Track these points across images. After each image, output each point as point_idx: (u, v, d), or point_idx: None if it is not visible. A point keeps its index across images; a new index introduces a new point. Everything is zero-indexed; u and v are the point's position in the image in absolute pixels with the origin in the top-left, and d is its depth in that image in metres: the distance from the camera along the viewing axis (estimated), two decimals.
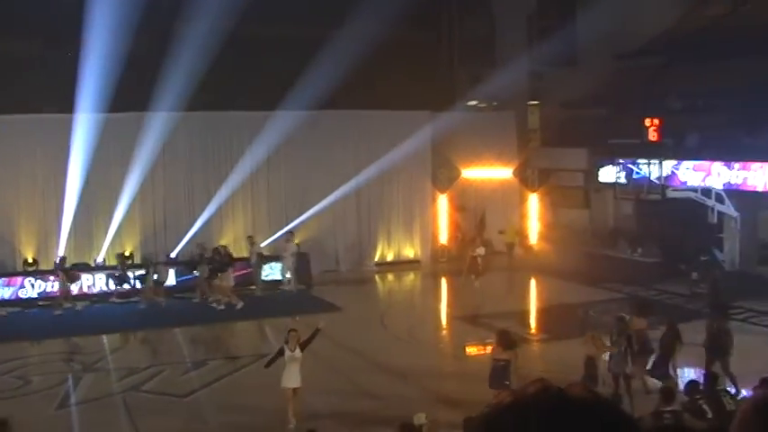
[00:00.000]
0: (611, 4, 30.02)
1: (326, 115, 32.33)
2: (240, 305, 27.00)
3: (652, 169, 30.05)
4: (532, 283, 31.98)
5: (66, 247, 30.33)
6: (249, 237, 30.37)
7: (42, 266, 29.62)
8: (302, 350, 16.44)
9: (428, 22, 34.26)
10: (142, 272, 28.62)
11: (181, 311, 27.17)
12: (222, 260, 28.05)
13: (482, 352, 20.71)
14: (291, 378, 16.33)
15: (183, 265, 29.72)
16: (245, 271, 29.69)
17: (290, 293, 29.39)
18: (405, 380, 19.03)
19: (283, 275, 30.21)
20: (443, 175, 35.05)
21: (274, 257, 30.68)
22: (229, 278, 27.77)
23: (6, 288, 28.29)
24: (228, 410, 17.56)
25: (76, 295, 28.01)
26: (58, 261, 28.39)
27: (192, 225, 31.49)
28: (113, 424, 17.00)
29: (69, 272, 28.17)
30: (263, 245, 31.49)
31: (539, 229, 35.96)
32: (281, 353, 16.53)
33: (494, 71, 33.62)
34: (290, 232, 31.00)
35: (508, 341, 16.58)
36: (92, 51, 27.53)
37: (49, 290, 28.55)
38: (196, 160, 32.13)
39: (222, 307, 27.07)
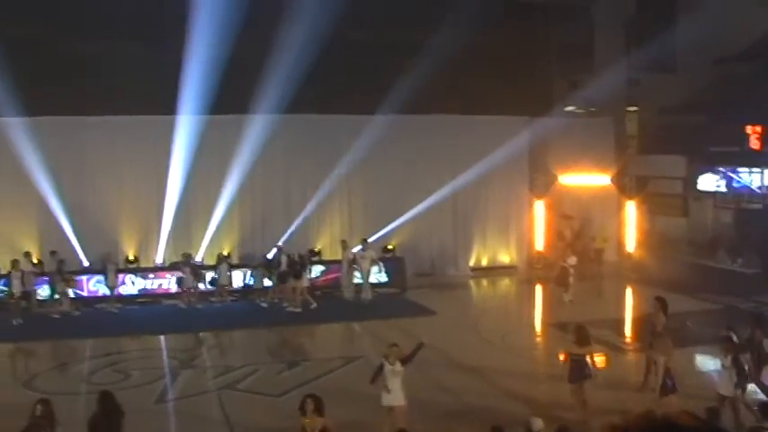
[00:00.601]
0: (711, 8, 29.41)
1: (424, 120, 32.48)
2: (313, 306, 27.46)
3: (753, 178, 29.46)
4: (628, 291, 31.57)
5: (166, 247, 31.13)
6: (342, 241, 30.56)
7: (142, 264, 30.43)
8: (403, 365, 15.35)
9: (527, 27, 34.08)
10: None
11: (275, 313, 27.51)
12: (300, 263, 28.51)
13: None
14: (393, 395, 15.27)
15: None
16: (335, 274, 29.94)
17: (378, 298, 29.54)
18: (496, 385, 19.07)
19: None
20: (540, 181, 34.89)
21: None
22: (304, 281, 28.21)
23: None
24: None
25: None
26: (184, 258, 29.43)
27: (288, 227, 31.92)
28: (209, 420, 17.29)
29: (197, 269, 29.13)
30: (358, 248, 31.79)
31: (636, 237, 35.47)
32: (380, 369, 15.41)
33: (591, 77, 33.29)
34: (366, 240, 30.90)
35: (583, 337, 16.57)
36: (194, 54, 28.09)
37: (149, 287, 29.33)
38: (294, 163, 32.52)
39: (298, 309, 27.46)
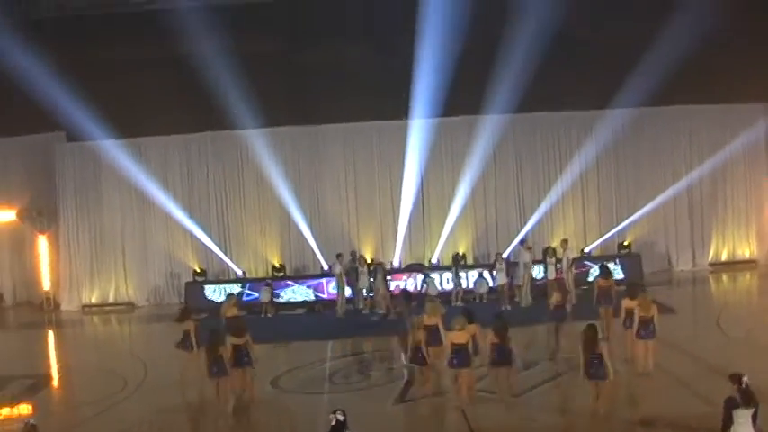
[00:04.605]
0: None
1: (657, 112, 31.63)
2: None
3: None
4: None
5: (402, 249, 31.67)
6: (563, 240, 29.70)
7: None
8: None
9: (763, 9, 32.49)
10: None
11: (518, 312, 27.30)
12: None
13: None
14: None
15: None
16: (559, 276, 29.26)
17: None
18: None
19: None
20: None
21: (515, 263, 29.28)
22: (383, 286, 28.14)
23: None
24: (555, 412, 17.52)
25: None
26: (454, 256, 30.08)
27: (522, 226, 31.83)
28: (447, 420, 17.42)
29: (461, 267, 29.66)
30: (592, 246, 31.37)
31: None
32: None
33: None
34: (524, 240, 30.30)
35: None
36: (423, 57, 28.45)
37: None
38: (526, 162, 32.43)
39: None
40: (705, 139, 32.37)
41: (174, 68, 29.64)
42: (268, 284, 29.62)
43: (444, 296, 27.80)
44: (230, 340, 18.13)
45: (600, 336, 16.60)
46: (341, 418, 12.34)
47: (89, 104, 28.76)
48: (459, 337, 17.55)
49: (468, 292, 29.29)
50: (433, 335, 18.82)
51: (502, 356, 17.63)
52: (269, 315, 28.74)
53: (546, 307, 22.02)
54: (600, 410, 16.42)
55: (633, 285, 21.27)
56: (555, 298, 21.55)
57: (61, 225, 32.40)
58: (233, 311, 21.49)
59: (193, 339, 20.19)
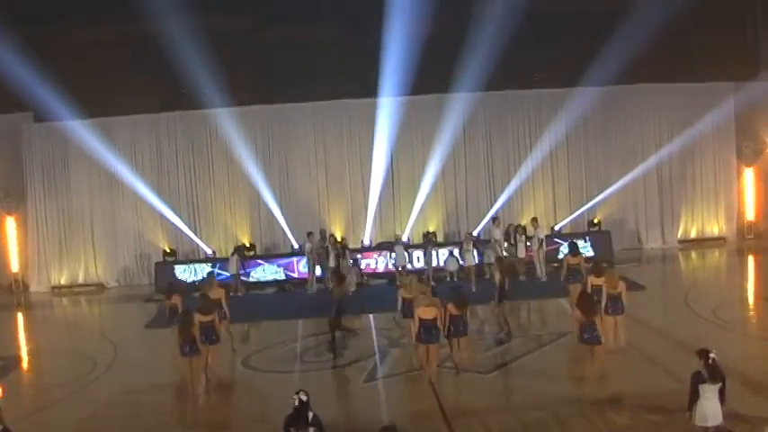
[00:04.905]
0: None
1: (626, 90, 31.74)
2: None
3: None
4: None
5: (372, 227, 31.69)
6: (533, 219, 29.73)
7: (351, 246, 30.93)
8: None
9: None
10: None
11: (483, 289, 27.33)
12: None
13: None
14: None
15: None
16: (529, 253, 29.30)
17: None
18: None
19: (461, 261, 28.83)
20: (749, 149, 33.34)
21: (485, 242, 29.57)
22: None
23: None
24: (527, 391, 17.62)
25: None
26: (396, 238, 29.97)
27: (492, 204, 31.93)
28: (419, 397, 17.46)
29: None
30: (562, 224, 31.52)
31: None
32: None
33: None
34: (495, 218, 30.36)
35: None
36: (392, 36, 28.39)
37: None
38: (496, 139, 32.52)
39: None
40: (675, 117, 32.53)
41: (142, 47, 29.50)
42: (234, 254, 29.66)
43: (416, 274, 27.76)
44: (198, 317, 18.10)
45: (570, 313, 16.76)
46: (304, 398, 12.29)
47: (57, 84, 28.51)
48: (427, 312, 17.65)
49: (438, 270, 29.29)
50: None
51: (459, 328, 18.06)
52: (239, 294, 28.65)
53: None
54: (594, 375, 16.87)
55: (598, 263, 21.39)
56: (498, 278, 21.54)
57: (29, 206, 32.17)
58: (219, 292, 21.11)
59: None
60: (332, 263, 28.36)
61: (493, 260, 25.89)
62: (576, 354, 17.92)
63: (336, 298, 21.39)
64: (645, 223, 33.23)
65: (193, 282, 29.07)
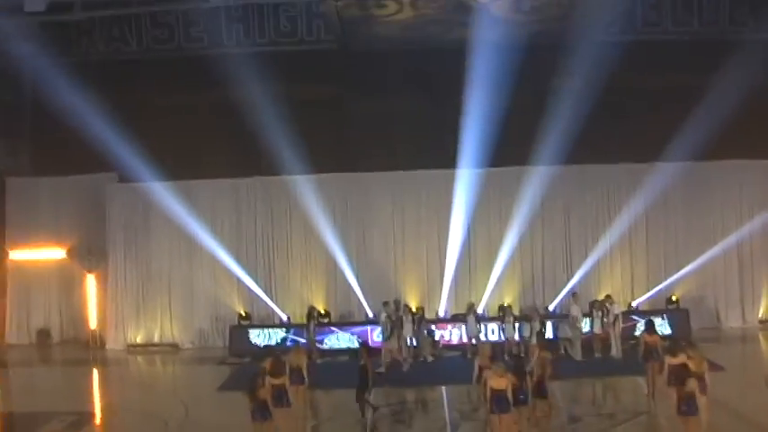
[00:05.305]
0: None
1: (707, 166, 31.30)
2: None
3: None
4: None
5: (448, 299, 31.57)
6: (607, 295, 29.25)
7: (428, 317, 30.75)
8: None
9: None
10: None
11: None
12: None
13: None
14: None
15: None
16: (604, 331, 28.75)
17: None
18: None
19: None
20: None
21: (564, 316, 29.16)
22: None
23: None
24: None
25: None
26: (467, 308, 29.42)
27: (569, 279, 31.60)
28: None
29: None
30: (639, 300, 31.11)
31: None
32: None
33: None
34: (575, 292, 29.81)
35: None
36: (472, 108, 28.56)
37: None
38: (573, 213, 32.28)
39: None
40: (756, 193, 31.99)
41: (225, 113, 30.07)
42: (310, 320, 29.68)
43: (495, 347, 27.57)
44: (269, 380, 18.12)
45: (646, 392, 16.45)
46: None
47: (141, 147, 29.18)
48: (500, 383, 17.47)
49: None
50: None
51: (519, 397, 17.70)
52: (318, 361, 28.39)
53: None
54: None
55: (675, 342, 20.94)
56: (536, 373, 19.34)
57: (110, 264, 32.65)
58: (301, 358, 20.97)
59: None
60: (406, 332, 28.25)
61: (566, 334, 25.66)
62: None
63: (364, 370, 21.23)
64: (724, 302, 32.54)
65: (266, 346, 29.10)
